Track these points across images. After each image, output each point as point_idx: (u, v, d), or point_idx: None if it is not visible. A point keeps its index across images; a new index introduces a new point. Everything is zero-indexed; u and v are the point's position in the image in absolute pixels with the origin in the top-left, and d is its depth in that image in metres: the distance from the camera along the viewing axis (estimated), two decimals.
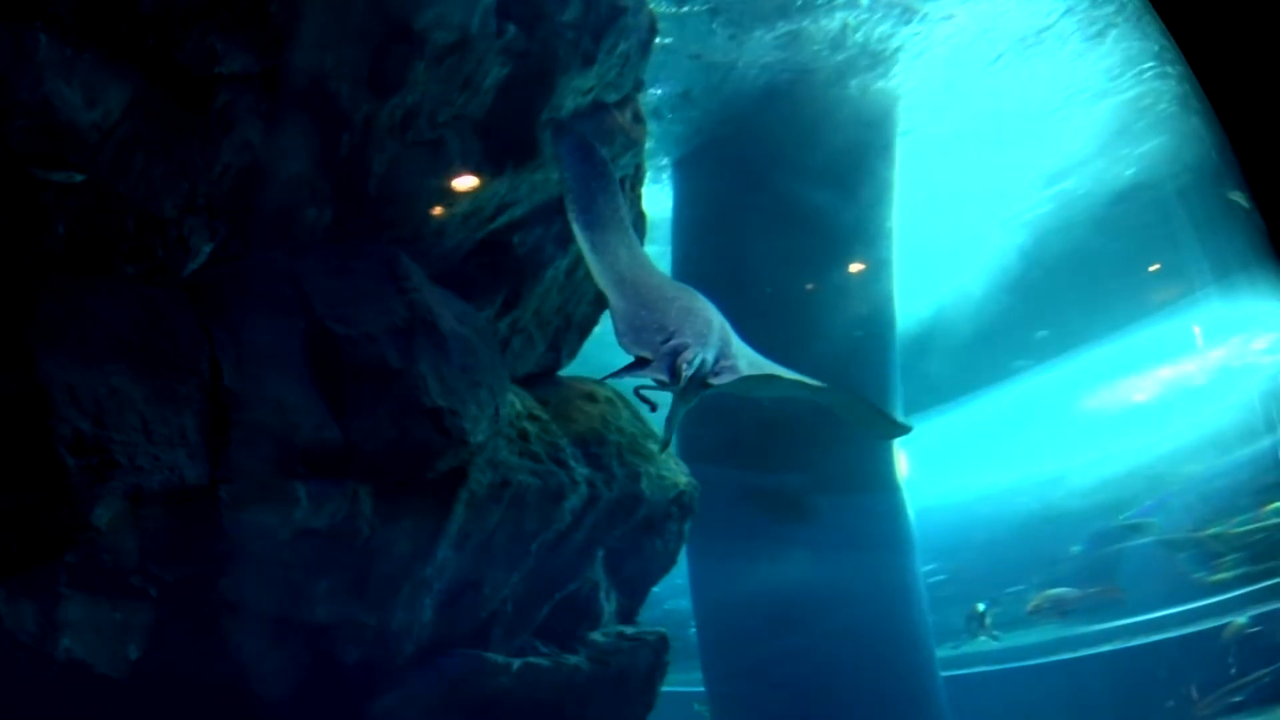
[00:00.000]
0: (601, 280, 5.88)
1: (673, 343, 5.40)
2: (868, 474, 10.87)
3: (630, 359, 5.63)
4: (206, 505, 5.68)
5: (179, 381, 5.67)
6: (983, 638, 12.30)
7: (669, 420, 5.72)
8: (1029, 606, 12.33)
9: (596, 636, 7.91)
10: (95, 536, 5.34)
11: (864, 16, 10.00)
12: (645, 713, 8.10)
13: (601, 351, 8.75)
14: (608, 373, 8.37)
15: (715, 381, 5.45)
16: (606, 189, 6.25)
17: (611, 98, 7.44)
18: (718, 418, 8.47)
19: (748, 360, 5.82)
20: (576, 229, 6.09)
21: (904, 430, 7.12)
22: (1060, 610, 12.21)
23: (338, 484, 5.94)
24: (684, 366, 5.25)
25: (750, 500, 10.32)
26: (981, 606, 12.27)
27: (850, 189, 10.91)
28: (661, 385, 5.67)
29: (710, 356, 5.41)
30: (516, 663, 7.14)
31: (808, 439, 10.15)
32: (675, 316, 5.64)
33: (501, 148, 6.95)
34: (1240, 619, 10.89)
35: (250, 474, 5.71)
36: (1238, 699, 10.14)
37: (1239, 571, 11.74)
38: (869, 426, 6.86)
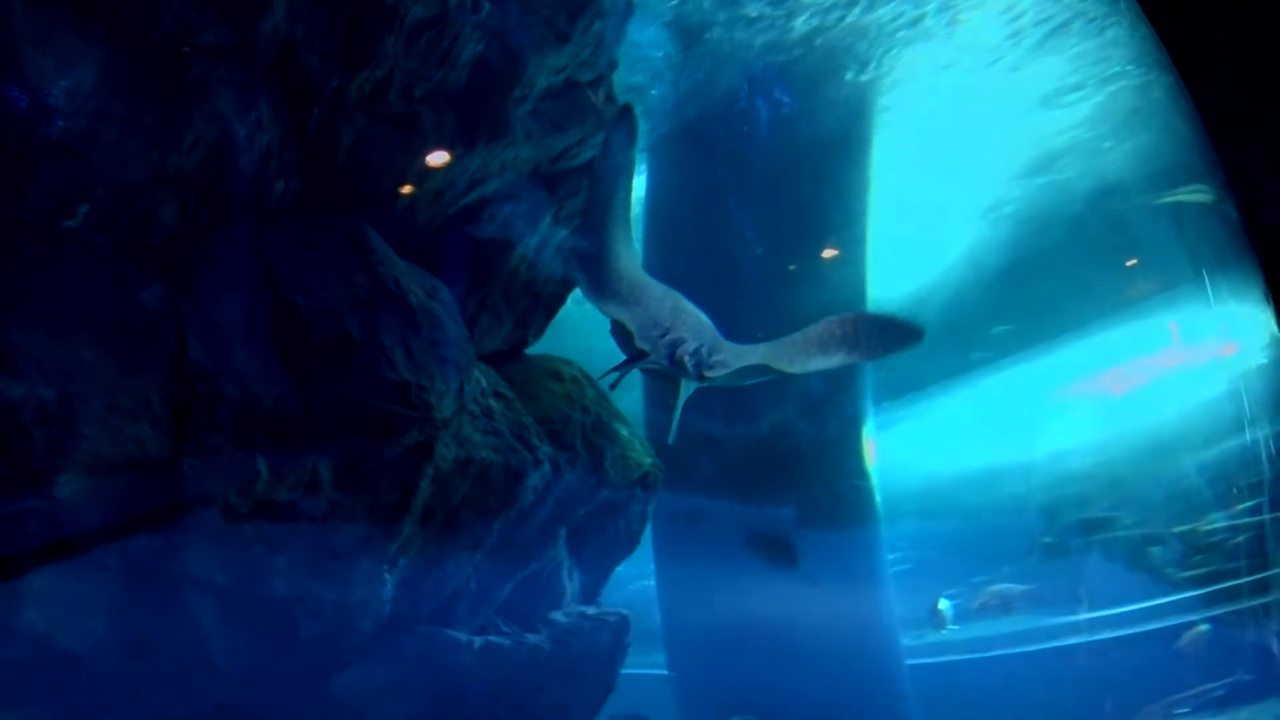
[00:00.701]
0: (601, 284, 6.02)
1: (670, 337, 5.79)
2: (846, 509, 10.80)
3: (626, 357, 5.86)
4: (169, 477, 5.68)
5: (145, 353, 5.65)
6: (941, 631, 12.30)
7: (672, 412, 5.89)
8: (976, 603, 12.31)
9: (558, 616, 7.92)
10: (59, 508, 5.34)
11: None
12: (606, 693, 8.11)
13: (576, 335, 8.79)
14: (579, 356, 8.45)
15: (710, 374, 5.74)
16: (628, 185, 6.37)
17: (585, 77, 7.42)
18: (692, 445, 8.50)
19: (735, 353, 6.06)
20: (592, 230, 6.17)
21: (919, 333, 6.51)
22: (1006, 607, 12.19)
23: (298, 457, 5.92)
24: (685, 358, 5.65)
25: (736, 537, 10.26)
26: (944, 604, 12.25)
27: (828, 175, 10.92)
28: (658, 374, 5.85)
29: (705, 350, 5.78)
30: (478, 641, 7.15)
31: (787, 470, 10.22)
32: (669, 314, 5.98)
33: (474, 124, 6.94)
34: (1203, 625, 10.91)
35: (212, 447, 5.70)
36: (1183, 710, 10.14)
37: (1205, 570, 11.78)
38: (880, 342, 6.56)
